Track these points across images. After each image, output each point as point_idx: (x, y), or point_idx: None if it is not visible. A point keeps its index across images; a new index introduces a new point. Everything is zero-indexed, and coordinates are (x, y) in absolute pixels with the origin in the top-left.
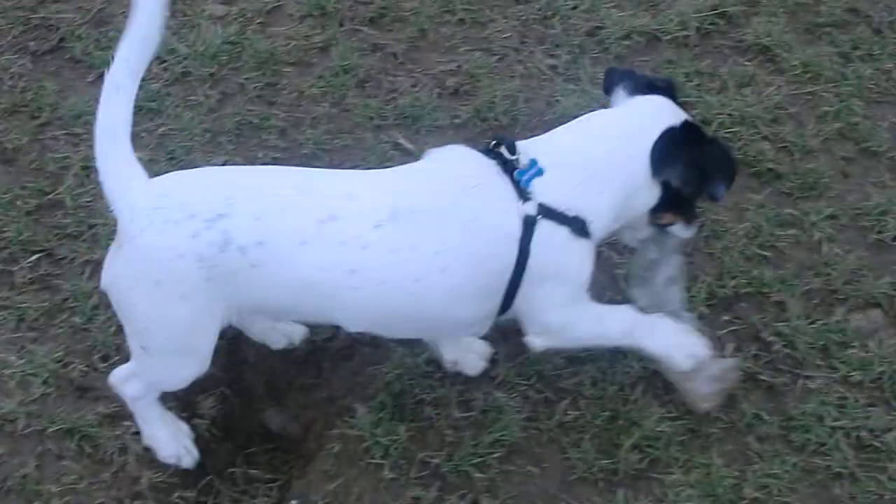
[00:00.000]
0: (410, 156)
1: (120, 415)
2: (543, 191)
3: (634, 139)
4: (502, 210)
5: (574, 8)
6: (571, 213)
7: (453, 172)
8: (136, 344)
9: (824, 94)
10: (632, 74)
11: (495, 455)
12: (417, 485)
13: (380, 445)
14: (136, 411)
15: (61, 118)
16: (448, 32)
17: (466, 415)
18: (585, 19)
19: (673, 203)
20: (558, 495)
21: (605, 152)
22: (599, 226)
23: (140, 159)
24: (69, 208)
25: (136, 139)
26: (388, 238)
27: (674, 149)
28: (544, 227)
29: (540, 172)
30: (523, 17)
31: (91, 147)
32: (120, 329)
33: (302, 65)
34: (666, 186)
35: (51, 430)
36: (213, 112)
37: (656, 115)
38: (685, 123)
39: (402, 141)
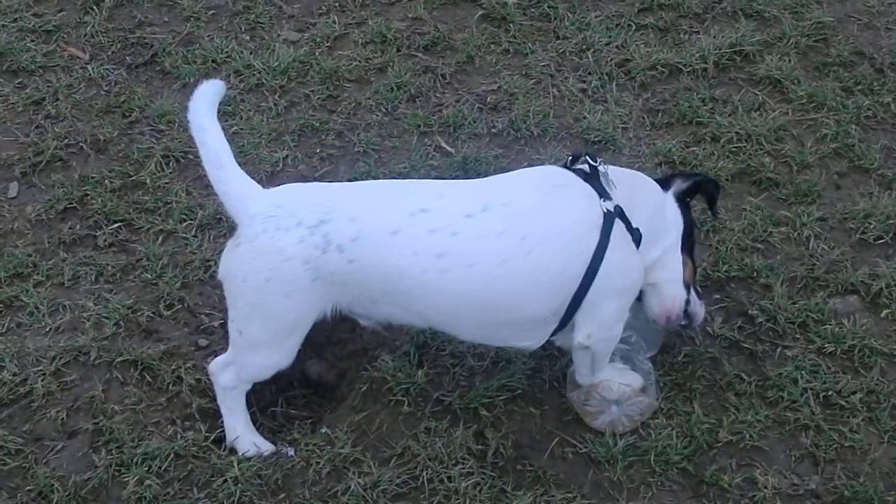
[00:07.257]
0: (449, 156)
1: (178, 353)
2: (616, 197)
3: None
4: (587, 203)
5: (607, 44)
6: (634, 224)
7: (541, 176)
8: (235, 327)
9: (825, 120)
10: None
11: (502, 398)
12: (431, 418)
13: (401, 386)
14: (224, 402)
15: (148, 116)
16: (493, 60)
17: (479, 364)
18: (616, 53)
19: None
20: (554, 431)
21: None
22: (643, 240)
23: None
24: (149, 188)
25: None
26: (477, 225)
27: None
28: (619, 225)
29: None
30: (561, 50)
31: (171, 139)
32: (185, 283)
33: (361, 81)
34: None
35: (118, 360)
36: (279, 116)
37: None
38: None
39: (443, 144)
